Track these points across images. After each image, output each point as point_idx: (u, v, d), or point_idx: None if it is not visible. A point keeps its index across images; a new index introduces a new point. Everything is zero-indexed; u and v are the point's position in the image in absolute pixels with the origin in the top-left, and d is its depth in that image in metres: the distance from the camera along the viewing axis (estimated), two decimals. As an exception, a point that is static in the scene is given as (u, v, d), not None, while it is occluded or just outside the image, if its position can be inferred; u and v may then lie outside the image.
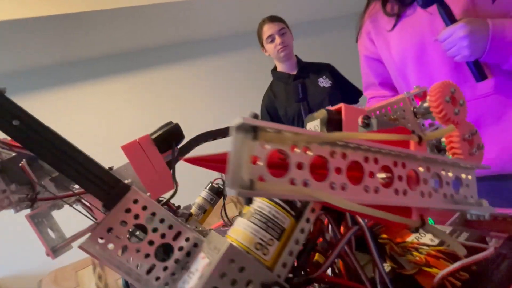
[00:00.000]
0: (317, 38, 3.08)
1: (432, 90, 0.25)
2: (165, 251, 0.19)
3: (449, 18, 0.51)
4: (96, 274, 1.28)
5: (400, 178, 0.15)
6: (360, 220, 0.18)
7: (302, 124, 1.11)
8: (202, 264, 0.15)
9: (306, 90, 1.09)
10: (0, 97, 0.17)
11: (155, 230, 0.18)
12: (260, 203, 0.16)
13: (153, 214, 0.18)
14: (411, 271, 0.18)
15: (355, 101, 1.22)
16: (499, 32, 0.46)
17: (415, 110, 0.28)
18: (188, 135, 0.33)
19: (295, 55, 1.26)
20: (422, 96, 0.30)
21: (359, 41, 0.79)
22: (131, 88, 2.01)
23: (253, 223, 0.15)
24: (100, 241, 0.17)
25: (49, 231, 0.25)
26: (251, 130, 0.10)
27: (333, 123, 0.27)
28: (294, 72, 1.20)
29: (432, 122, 0.30)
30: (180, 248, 0.19)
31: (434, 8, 0.59)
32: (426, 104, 0.26)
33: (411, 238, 0.23)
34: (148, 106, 2.00)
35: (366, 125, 0.23)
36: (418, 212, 0.15)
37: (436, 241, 0.21)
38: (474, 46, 0.47)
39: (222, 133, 0.34)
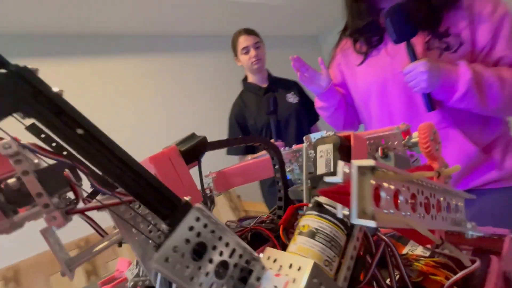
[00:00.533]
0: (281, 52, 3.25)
1: (421, 129, 0.31)
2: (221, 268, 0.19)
3: (414, 55, 0.61)
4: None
5: (433, 206, 0.19)
6: (386, 239, 0.21)
7: (270, 135, 1.16)
8: (280, 282, 0.16)
9: (277, 104, 1.14)
10: (65, 104, 0.16)
11: (214, 248, 0.18)
12: (319, 223, 0.18)
13: (213, 231, 0.19)
14: (418, 279, 0.23)
15: (316, 119, 1.32)
16: (448, 74, 0.58)
17: (403, 143, 0.34)
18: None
19: (266, 69, 1.32)
20: (406, 132, 0.36)
21: (330, 70, 0.89)
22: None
23: (319, 242, 0.17)
24: (170, 260, 0.16)
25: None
26: (370, 170, 0.13)
27: (344, 149, 0.31)
28: (265, 85, 1.26)
29: (412, 153, 0.37)
30: (235, 265, 0.19)
31: (394, 51, 0.71)
32: (414, 140, 0.32)
33: (406, 250, 0.28)
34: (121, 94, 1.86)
35: (386, 156, 0.27)
36: (439, 233, 0.19)
37: (428, 253, 0.26)
38: (430, 81, 0.57)
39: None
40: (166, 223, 0.17)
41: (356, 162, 0.12)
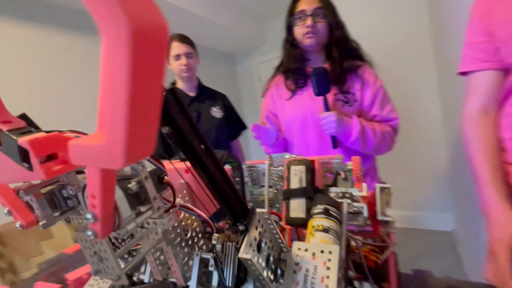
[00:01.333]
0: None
1: (354, 160, 0.46)
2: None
3: (327, 107, 0.82)
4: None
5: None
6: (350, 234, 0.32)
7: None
8: (318, 262, 0.23)
9: (199, 118, 1.15)
10: (193, 125, 0.18)
11: (265, 243, 0.24)
12: (329, 223, 0.27)
13: (265, 230, 0.24)
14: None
15: (238, 133, 1.38)
16: (347, 125, 0.81)
17: (343, 168, 0.48)
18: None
19: (197, 78, 1.32)
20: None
21: (264, 98, 1.03)
22: None
23: (332, 235, 0.25)
24: (249, 254, 0.21)
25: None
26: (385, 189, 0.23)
27: (311, 170, 0.42)
28: (193, 94, 1.25)
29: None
30: (273, 256, 0.25)
31: (314, 96, 0.90)
32: (349, 167, 0.47)
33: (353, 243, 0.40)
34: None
35: (346, 178, 0.39)
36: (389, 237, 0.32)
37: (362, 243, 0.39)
38: (337, 128, 0.80)
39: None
40: (243, 224, 0.22)
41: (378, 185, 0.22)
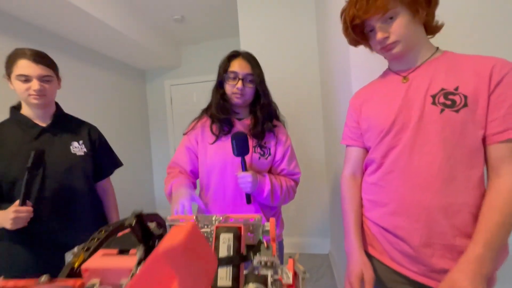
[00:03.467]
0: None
1: (271, 222, 0.54)
2: None
3: (245, 167, 0.91)
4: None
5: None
6: None
7: (26, 191, 0.86)
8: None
9: (40, 160, 0.89)
10: None
11: None
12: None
13: None
14: None
15: (109, 172, 1.17)
16: (260, 184, 0.91)
17: (261, 229, 0.55)
18: None
19: (56, 103, 1.06)
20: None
21: (187, 135, 1.04)
22: None
23: None
24: None
25: None
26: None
27: (238, 238, 0.47)
28: (45, 124, 0.99)
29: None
30: None
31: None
32: (267, 228, 0.54)
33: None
34: None
35: (268, 247, 0.46)
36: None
37: None
38: (251, 188, 0.89)
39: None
40: None
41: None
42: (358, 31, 0.72)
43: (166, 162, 3.68)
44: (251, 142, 0.97)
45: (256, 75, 0.95)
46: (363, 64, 1.07)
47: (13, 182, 0.90)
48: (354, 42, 0.76)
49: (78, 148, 1.03)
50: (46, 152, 0.90)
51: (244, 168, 0.91)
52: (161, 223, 0.50)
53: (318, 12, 2.13)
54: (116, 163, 1.21)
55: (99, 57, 2.78)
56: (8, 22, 1.88)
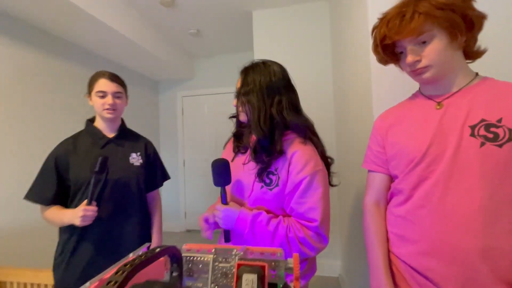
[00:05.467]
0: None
1: (295, 259, 0.50)
2: None
3: (225, 198, 0.79)
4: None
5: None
6: None
7: (92, 192, 0.95)
8: None
9: (105, 165, 0.97)
10: None
11: None
12: None
13: None
14: None
15: (160, 184, 1.26)
16: (242, 218, 0.76)
17: (285, 266, 0.51)
18: None
19: (122, 119, 1.19)
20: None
21: (224, 150, 0.99)
22: None
23: None
24: None
25: None
26: None
27: (262, 279, 0.42)
28: (112, 135, 1.12)
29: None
30: None
31: (241, 162, 0.89)
32: (290, 265, 0.50)
33: None
34: None
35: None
36: None
37: None
38: (226, 224, 0.77)
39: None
40: None
41: None
42: (388, 51, 0.69)
43: (174, 172, 3.66)
44: (252, 167, 0.82)
45: (245, 86, 0.85)
46: (386, 83, 1.04)
47: (81, 185, 1.01)
48: (383, 61, 0.73)
49: (135, 159, 1.14)
50: (109, 159, 0.99)
51: (224, 199, 0.79)
52: (177, 257, 0.46)
53: (332, 27, 2.12)
54: (165, 176, 1.31)
55: (116, 67, 2.84)
56: (36, 35, 1.93)
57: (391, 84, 1.00)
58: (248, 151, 0.87)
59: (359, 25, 1.31)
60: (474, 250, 0.55)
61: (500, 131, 0.56)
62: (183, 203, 3.64)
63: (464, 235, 0.56)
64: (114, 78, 1.09)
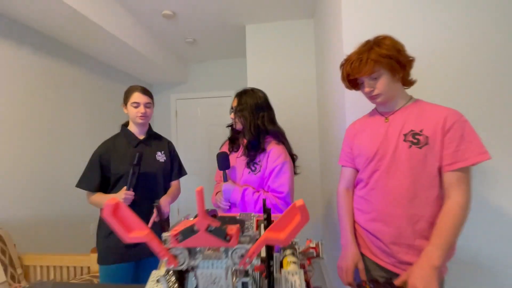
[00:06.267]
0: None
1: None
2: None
3: (226, 178, 1.21)
4: (-1, 248, 1.41)
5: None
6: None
7: (131, 181, 1.23)
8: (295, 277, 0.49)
9: (141, 160, 1.24)
10: None
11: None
12: (294, 259, 0.54)
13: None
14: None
15: (176, 178, 1.51)
16: (234, 193, 1.19)
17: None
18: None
19: (149, 124, 1.46)
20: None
21: (221, 148, 1.29)
22: None
23: (296, 264, 0.53)
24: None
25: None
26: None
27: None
28: (142, 137, 1.39)
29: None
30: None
31: (238, 160, 1.23)
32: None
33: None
34: None
35: None
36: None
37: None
38: (224, 193, 1.15)
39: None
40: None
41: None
42: (352, 82, 0.97)
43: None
44: (244, 159, 1.23)
45: (239, 106, 1.24)
46: (355, 100, 1.34)
47: (120, 176, 1.27)
48: (350, 88, 1.02)
49: (160, 156, 1.40)
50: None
51: (225, 179, 1.21)
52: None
53: (316, 43, 2.43)
54: (181, 172, 1.54)
55: (112, 70, 3.00)
56: (41, 39, 2.09)
57: (358, 101, 1.30)
58: (240, 149, 1.27)
59: (336, 45, 1.61)
60: (402, 216, 0.85)
61: (421, 138, 0.86)
62: (176, 200, 3.83)
63: (397, 207, 0.86)
64: (145, 91, 1.35)
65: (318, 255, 0.61)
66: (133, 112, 1.32)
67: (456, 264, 0.93)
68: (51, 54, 2.19)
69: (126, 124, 1.41)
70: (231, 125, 1.32)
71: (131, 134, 1.36)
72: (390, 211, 0.87)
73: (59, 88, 2.27)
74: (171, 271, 0.46)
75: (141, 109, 1.32)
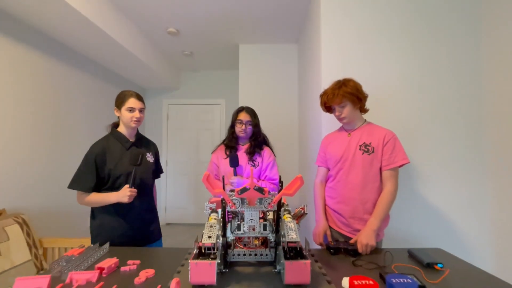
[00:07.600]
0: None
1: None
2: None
3: (235, 173, 1.57)
4: (25, 231, 1.66)
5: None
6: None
7: (126, 182, 1.30)
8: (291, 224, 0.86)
9: (142, 160, 1.31)
10: None
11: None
12: (290, 215, 0.92)
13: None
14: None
15: (158, 176, 1.61)
16: (243, 183, 1.58)
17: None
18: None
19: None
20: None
21: (214, 154, 1.69)
22: None
23: (291, 218, 0.90)
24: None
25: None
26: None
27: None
28: (132, 140, 1.44)
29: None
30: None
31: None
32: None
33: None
34: None
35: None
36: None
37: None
38: (238, 185, 1.52)
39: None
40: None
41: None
42: (327, 107, 1.40)
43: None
44: (246, 158, 1.63)
45: (253, 122, 1.65)
46: (329, 117, 1.78)
47: (118, 176, 1.31)
48: (325, 111, 1.44)
49: (150, 157, 1.50)
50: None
51: (235, 173, 1.57)
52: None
53: (299, 66, 2.89)
54: (159, 170, 1.64)
55: (111, 74, 3.21)
56: (49, 44, 2.30)
57: (330, 120, 1.74)
58: (242, 150, 1.66)
59: (315, 72, 2.05)
60: (357, 199, 1.28)
61: (370, 148, 1.29)
62: (164, 199, 4.06)
63: (353, 193, 1.29)
64: (140, 97, 1.39)
65: (304, 214, 1.00)
66: (128, 117, 1.34)
67: (392, 230, 1.38)
68: (58, 58, 2.40)
69: (116, 126, 1.43)
70: (232, 133, 1.68)
71: (123, 137, 1.39)
72: (349, 196, 1.30)
73: (65, 89, 2.48)
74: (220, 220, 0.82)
75: (136, 114, 1.35)
